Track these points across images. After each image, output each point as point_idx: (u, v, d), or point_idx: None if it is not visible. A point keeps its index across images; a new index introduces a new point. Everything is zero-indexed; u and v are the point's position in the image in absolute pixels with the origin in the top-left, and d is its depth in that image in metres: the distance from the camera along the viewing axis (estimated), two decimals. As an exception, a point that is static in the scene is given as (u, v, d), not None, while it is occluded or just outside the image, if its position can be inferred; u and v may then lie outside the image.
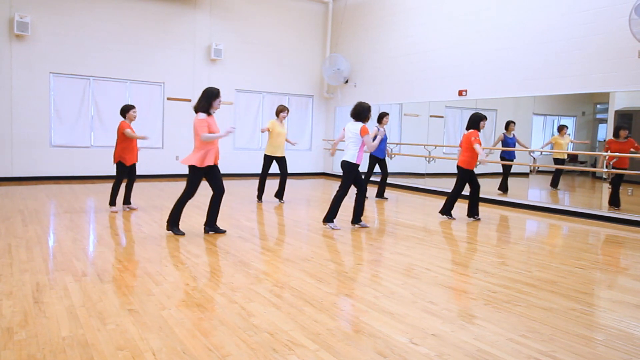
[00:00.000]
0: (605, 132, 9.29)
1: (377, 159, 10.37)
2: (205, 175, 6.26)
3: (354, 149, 6.93)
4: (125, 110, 8.18)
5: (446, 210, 8.24)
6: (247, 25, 14.23)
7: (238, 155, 14.32)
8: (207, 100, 6.11)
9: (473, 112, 8.34)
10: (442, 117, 12.27)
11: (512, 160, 10.60)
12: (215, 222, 6.51)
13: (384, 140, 10.27)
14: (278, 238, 6.44)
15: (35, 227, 6.58)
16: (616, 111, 8.95)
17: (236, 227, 7.06)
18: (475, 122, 7.95)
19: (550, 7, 9.44)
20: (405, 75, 12.78)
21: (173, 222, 6.38)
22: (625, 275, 5.26)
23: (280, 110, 9.49)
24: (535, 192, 10.18)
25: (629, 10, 7.83)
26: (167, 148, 13.28)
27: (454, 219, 8.20)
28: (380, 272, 4.91)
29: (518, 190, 10.49)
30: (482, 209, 9.54)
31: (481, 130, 7.98)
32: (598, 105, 9.76)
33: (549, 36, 9.42)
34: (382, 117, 10.01)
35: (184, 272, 4.75)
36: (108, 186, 11.17)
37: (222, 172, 13.33)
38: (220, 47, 13.51)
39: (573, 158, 10.25)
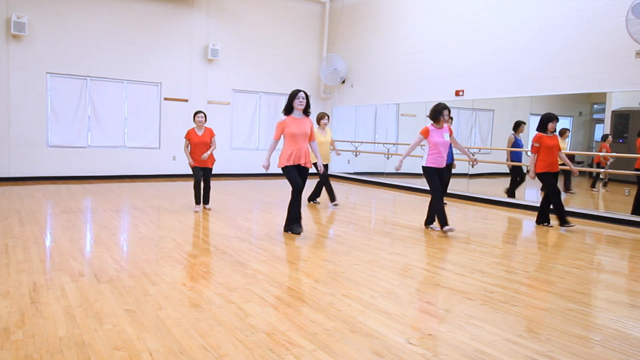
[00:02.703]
0: (602, 132, 9.31)
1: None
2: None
3: (424, 151, 6.97)
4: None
5: (563, 222, 7.57)
6: (244, 26, 14.23)
7: (235, 155, 14.32)
8: (288, 102, 6.36)
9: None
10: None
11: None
12: (292, 222, 6.64)
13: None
14: (275, 238, 6.44)
15: (32, 227, 6.57)
16: (613, 111, 8.97)
17: (233, 227, 7.06)
18: (541, 123, 7.61)
19: (547, 7, 9.45)
20: (402, 75, 12.80)
21: (288, 223, 6.67)
22: (622, 275, 5.28)
23: (320, 118, 9.13)
24: (533, 192, 10.18)
25: (626, 11, 7.84)
26: (163, 148, 13.27)
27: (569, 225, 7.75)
28: (377, 272, 4.92)
29: (515, 190, 10.49)
30: (478, 208, 9.57)
31: (550, 132, 7.54)
32: (595, 106, 9.77)
33: (546, 36, 9.44)
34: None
35: (181, 273, 4.74)
36: (105, 186, 11.19)
37: (218, 172, 13.43)
38: (217, 47, 13.51)
39: (570, 159, 10.18)
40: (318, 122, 9.12)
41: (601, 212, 8.67)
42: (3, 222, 6.84)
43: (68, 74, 12.01)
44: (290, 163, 6.34)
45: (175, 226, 7.04)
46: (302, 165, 6.42)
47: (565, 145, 9.52)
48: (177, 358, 2.93)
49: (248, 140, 14.74)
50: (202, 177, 8.35)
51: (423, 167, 6.95)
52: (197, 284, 4.38)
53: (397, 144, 13.12)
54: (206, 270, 4.83)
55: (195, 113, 8.32)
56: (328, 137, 9.21)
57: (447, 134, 6.93)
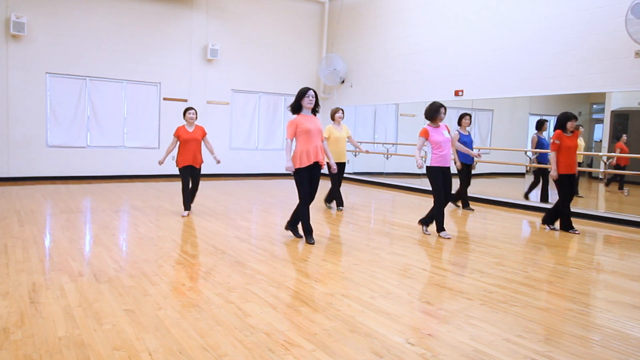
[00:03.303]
0: (601, 132, 9.31)
1: (463, 164, 9.09)
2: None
3: (428, 151, 6.77)
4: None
5: (568, 227, 7.43)
6: (243, 26, 14.23)
7: (234, 155, 14.31)
8: (296, 100, 6.03)
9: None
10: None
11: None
12: (296, 224, 6.47)
13: (469, 144, 9.03)
14: (274, 238, 6.44)
15: (31, 227, 6.56)
16: (612, 111, 8.97)
17: (232, 227, 7.06)
18: (559, 122, 7.28)
19: (547, 7, 9.46)
20: (401, 75, 12.80)
21: (292, 223, 6.49)
22: (621, 275, 5.28)
23: (335, 112, 8.69)
24: (532, 192, 10.19)
25: (625, 11, 7.84)
26: (163, 148, 13.23)
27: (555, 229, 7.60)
28: (376, 272, 4.92)
29: (514, 190, 10.50)
30: (477, 208, 9.56)
31: (569, 131, 7.21)
32: (594, 106, 9.76)
33: (546, 36, 9.44)
34: (460, 118, 9.15)
35: (180, 273, 4.74)
36: (104, 186, 11.19)
37: (217, 172, 13.43)
38: (216, 47, 13.51)
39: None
40: (332, 117, 8.73)
41: (600, 212, 8.67)
42: (2, 222, 6.84)
43: (67, 74, 12.01)
44: (305, 164, 5.98)
45: (174, 226, 7.04)
46: (319, 162, 6.08)
47: (583, 143, 9.15)
48: (176, 358, 2.93)
49: (247, 140, 14.74)
50: (191, 177, 7.95)
51: (427, 167, 6.76)
52: (196, 284, 4.38)
53: (397, 144, 13.13)
54: (205, 270, 4.82)
55: (187, 110, 7.87)
56: (344, 132, 8.74)
57: (446, 132, 6.76)
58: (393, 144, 13.16)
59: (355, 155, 14.45)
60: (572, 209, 8.72)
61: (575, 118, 7.23)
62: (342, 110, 8.86)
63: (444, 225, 6.85)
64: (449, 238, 6.68)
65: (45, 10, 11.56)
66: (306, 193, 6.09)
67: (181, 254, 5.46)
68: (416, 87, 12.33)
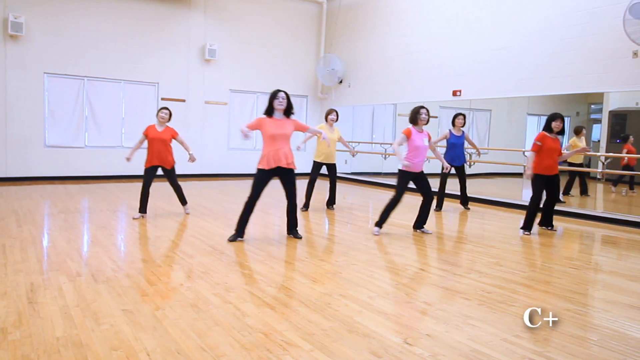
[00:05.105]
0: (599, 132, 9.33)
1: (454, 167, 8.83)
2: (278, 177, 6.18)
3: (403, 153, 6.75)
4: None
5: (527, 227, 7.24)
6: (241, 26, 14.22)
7: (232, 155, 14.31)
8: (268, 102, 6.07)
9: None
10: (436, 117, 12.29)
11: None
12: (295, 227, 6.43)
13: (459, 146, 8.92)
14: (272, 238, 6.44)
15: (29, 227, 6.55)
16: (610, 111, 8.99)
17: (230, 227, 7.04)
18: (546, 122, 7.10)
19: (545, 7, 9.46)
20: (399, 75, 12.79)
21: (292, 226, 6.48)
22: (619, 275, 5.29)
23: (328, 114, 8.62)
24: (530, 192, 10.21)
25: (623, 11, 7.85)
26: (161, 148, 13.23)
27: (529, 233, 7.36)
28: (374, 272, 4.92)
29: (512, 190, 10.52)
30: (475, 208, 9.57)
31: (555, 132, 7.01)
32: (592, 106, 9.79)
33: (544, 36, 9.44)
34: (454, 118, 8.96)
35: (178, 273, 4.74)
36: (102, 186, 11.17)
37: (215, 172, 13.39)
38: (214, 47, 13.49)
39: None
40: (325, 118, 8.70)
41: (599, 212, 8.68)
42: (0, 222, 6.83)
43: (65, 74, 11.99)
44: (269, 166, 5.97)
45: (172, 226, 7.03)
46: (285, 167, 6.08)
47: (582, 144, 9.02)
48: (174, 358, 2.93)
49: (245, 141, 14.69)
50: (168, 180, 7.78)
51: (399, 170, 6.80)
52: (194, 284, 4.37)
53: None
54: (203, 271, 4.82)
55: (160, 109, 7.78)
56: (335, 135, 8.68)
57: (427, 139, 6.73)
58: (391, 144, 13.16)
59: (353, 156, 14.44)
60: (568, 208, 8.75)
61: (561, 119, 6.98)
62: (336, 112, 8.77)
63: (423, 224, 7.05)
64: (429, 233, 6.89)
65: (44, 10, 11.53)
66: (256, 193, 6.08)
67: (179, 254, 5.45)
68: (414, 87, 12.33)
